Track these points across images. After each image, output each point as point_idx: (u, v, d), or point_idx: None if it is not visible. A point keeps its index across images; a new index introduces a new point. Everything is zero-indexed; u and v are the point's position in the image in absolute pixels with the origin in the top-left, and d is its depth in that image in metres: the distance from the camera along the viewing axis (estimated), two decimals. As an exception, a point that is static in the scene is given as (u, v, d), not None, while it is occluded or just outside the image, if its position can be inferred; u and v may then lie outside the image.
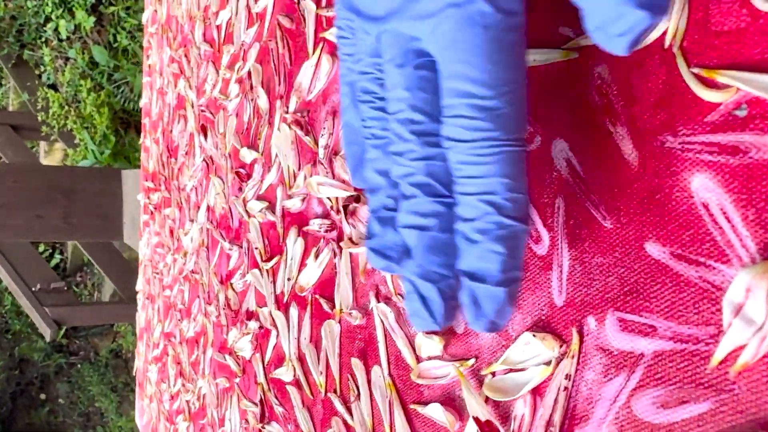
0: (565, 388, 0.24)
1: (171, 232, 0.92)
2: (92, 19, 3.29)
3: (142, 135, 1.15)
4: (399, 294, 0.36)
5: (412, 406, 0.34)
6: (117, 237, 1.87)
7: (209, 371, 0.73)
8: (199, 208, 0.78)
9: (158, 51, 1.02)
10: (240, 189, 0.63)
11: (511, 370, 0.27)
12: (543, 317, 0.26)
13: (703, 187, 0.20)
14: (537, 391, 0.26)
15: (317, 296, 0.45)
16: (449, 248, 0.22)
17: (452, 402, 0.31)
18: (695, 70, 0.20)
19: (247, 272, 0.60)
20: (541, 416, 0.25)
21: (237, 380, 0.63)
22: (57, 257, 3.90)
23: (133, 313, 2.67)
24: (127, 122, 3.28)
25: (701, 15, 0.20)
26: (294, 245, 0.49)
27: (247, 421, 0.60)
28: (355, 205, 0.38)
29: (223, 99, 0.67)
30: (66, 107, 3.16)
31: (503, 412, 0.28)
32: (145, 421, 1.10)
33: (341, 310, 0.42)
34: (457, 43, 0.20)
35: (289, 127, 0.50)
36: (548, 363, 0.25)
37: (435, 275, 0.22)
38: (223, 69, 0.68)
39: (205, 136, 0.75)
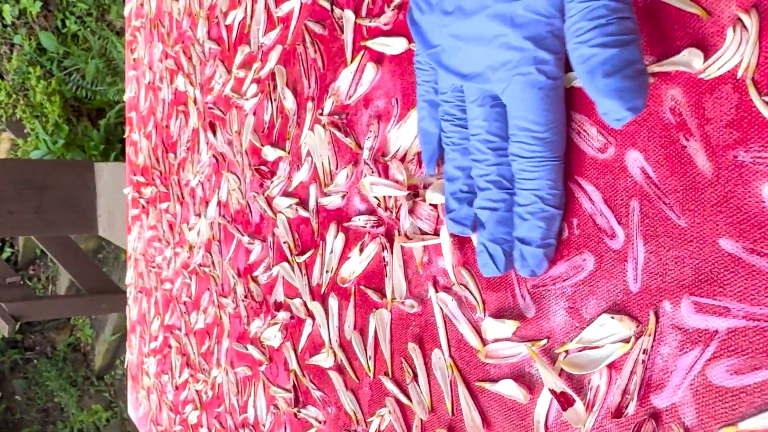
0: (642, 362, 0.29)
1: (171, 226, 0.94)
2: (38, 3, 3.18)
3: (127, 129, 1.15)
4: (461, 284, 0.40)
5: (477, 384, 0.38)
6: (91, 231, 1.84)
7: (226, 361, 0.76)
8: (207, 203, 0.79)
9: (147, 45, 1.02)
10: (261, 185, 0.65)
11: (585, 348, 0.32)
12: (618, 302, 0.30)
13: (774, 194, 0.24)
14: (612, 365, 0.31)
15: (362, 287, 0.49)
16: (509, 222, 0.33)
17: (522, 378, 0.36)
18: (767, 99, 0.24)
19: (273, 265, 0.63)
20: (618, 386, 0.30)
21: (262, 368, 0.66)
22: (8, 251, 3.78)
23: (94, 305, 2.63)
24: (79, 111, 3.20)
25: (772, 53, 0.24)
26: (335, 240, 0.52)
27: (276, 407, 0.63)
28: (413, 201, 0.42)
29: (237, 97, 0.69)
30: (14, 95, 3.06)
31: (577, 384, 0.32)
32: (141, 414, 1.11)
33: (393, 299, 0.45)
34: (521, 98, 0.30)
35: (324, 128, 0.53)
36: (626, 341, 0.30)
37: (500, 240, 0.34)
38: (236, 68, 0.70)
39: (214, 132, 0.77)
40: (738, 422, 0.25)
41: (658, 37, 0.28)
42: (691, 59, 0.27)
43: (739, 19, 0.25)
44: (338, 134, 0.51)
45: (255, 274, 0.67)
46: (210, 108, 0.77)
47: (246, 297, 0.69)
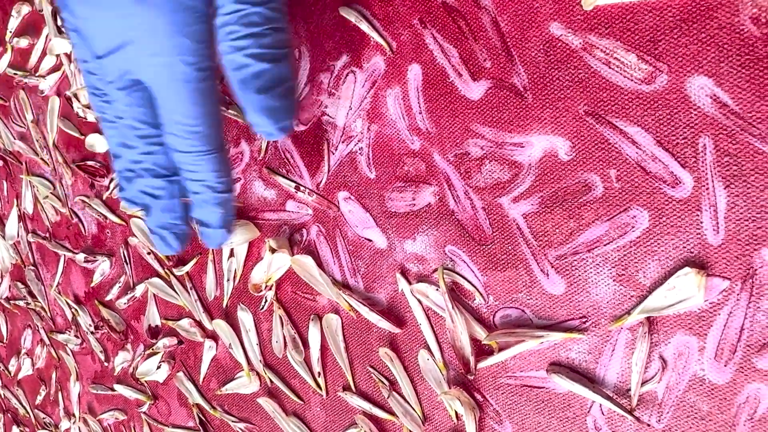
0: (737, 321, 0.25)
1: (-55, 256, 0.71)
2: None
3: None
4: (447, 269, 0.32)
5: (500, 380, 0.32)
6: None
7: (80, 409, 0.61)
8: (2, 220, 0.61)
9: None
10: (92, 186, 0.50)
11: (649, 318, 0.27)
12: (693, 259, 0.25)
13: None
14: (695, 331, 0.26)
15: (297, 292, 0.39)
16: (174, 208, 0.32)
17: (557, 363, 0.30)
18: None
19: (136, 283, 0.50)
20: (705, 352, 0.26)
21: (143, 408, 0.53)
22: None
23: None
24: None
25: None
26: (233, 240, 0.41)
27: (177, 449, 0.51)
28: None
29: (23, 75, 0.52)
30: None
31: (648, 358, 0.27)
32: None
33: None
34: (169, 88, 0.27)
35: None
36: (707, 300, 0.25)
37: (168, 225, 0.32)
38: (12, 36, 0.52)
39: (-8, 126, 0.57)
40: None
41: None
42: (787, -48, 0.21)
43: None
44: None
45: (108, 297, 0.52)
46: (-22, 94, 0.57)
47: (97, 328, 0.54)
